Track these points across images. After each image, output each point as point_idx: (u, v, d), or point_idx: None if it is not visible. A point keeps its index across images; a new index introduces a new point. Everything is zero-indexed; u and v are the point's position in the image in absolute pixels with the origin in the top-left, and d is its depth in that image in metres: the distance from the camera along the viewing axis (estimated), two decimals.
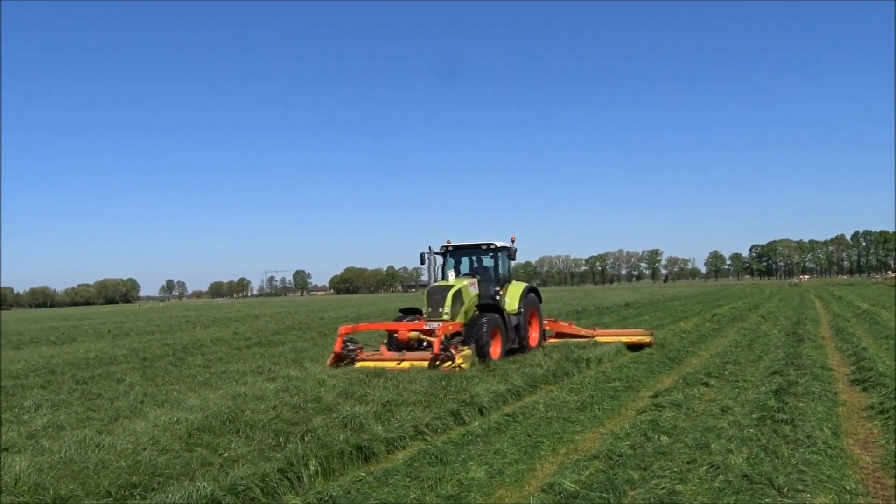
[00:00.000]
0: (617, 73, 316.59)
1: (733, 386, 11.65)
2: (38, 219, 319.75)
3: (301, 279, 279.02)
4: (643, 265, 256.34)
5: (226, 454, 7.69)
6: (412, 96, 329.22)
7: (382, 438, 8.31)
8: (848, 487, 6.27)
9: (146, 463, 7.35)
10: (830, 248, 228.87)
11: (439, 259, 17.81)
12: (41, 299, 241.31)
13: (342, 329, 15.27)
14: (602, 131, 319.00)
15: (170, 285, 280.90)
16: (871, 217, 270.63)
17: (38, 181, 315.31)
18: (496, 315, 15.54)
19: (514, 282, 17.60)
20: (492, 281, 17.03)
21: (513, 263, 17.93)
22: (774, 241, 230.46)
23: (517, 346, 16.52)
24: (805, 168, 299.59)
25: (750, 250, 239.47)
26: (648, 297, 57.05)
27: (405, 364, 13.73)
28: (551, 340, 18.79)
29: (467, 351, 13.95)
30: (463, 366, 13.29)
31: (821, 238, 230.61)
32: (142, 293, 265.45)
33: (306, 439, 8.09)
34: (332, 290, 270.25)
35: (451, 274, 16.74)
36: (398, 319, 16.22)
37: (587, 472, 6.72)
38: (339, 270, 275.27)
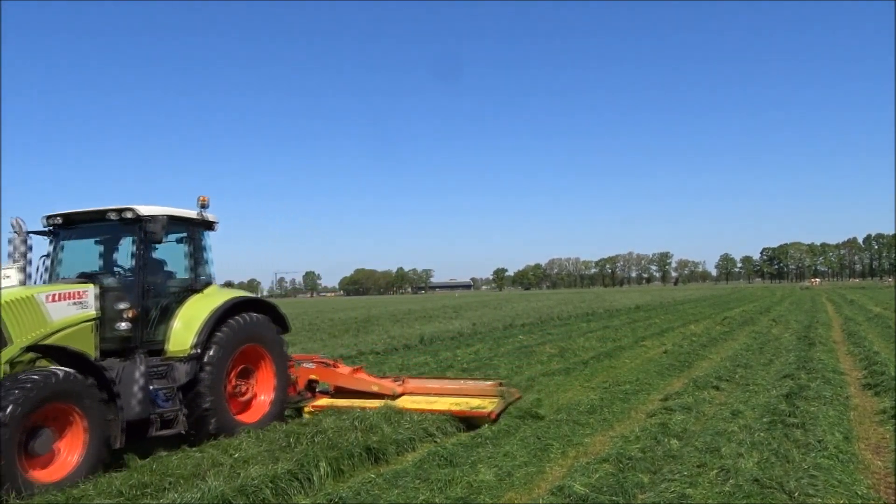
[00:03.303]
0: (627, 75, 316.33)
1: (744, 389, 11.59)
2: None
3: (311, 280, 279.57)
4: (653, 268, 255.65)
5: (237, 454, 7.74)
6: (419, 98, 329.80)
7: (392, 440, 8.34)
8: (859, 492, 6.23)
9: (158, 463, 7.43)
10: (842, 252, 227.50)
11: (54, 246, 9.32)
12: None
13: None
14: (612, 133, 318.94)
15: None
16: (884, 220, 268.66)
17: (50, 184, 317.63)
18: (49, 374, 6.94)
19: (210, 289, 9.57)
20: (127, 289, 8.64)
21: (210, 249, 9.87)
22: (786, 244, 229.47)
23: (191, 430, 8.54)
24: (817, 171, 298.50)
25: (761, 253, 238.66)
26: (658, 300, 56.85)
27: None
28: (323, 402, 10.79)
29: None
30: None
31: (833, 241, 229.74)
32: None
33: (317, 440, 8.14)
34: (341, 292, 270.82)
35: (6, 273, 8.42)
36: None
37: (597, 475, 6.70)
38: (348, 272, 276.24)
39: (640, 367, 14.91)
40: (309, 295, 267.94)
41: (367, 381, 10.97)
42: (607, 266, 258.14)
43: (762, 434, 8.13)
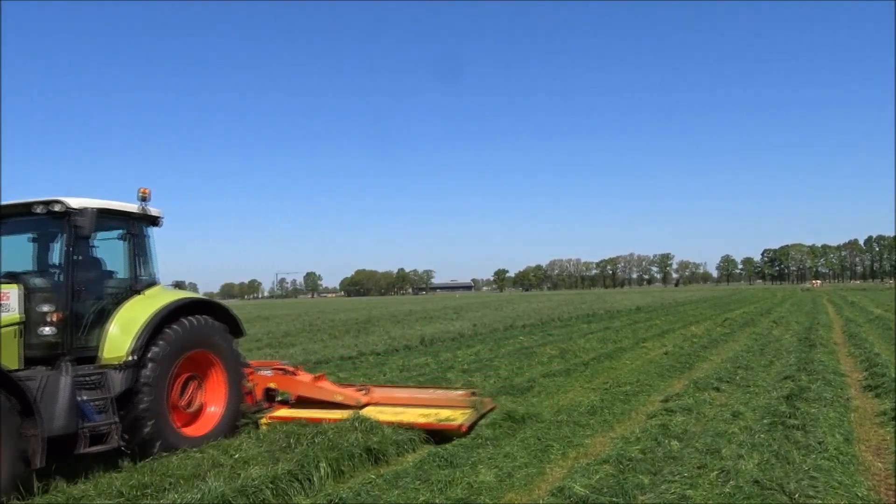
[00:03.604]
0: (627, 75, 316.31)
1: (745, 391, 11.59)
2: None
3: (312, 281, 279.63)
4: (654, 269, 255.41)
5: (237, 455, 7.75)
6: (419, 98, 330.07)
7: (393, 440, 8.35)
8: (860, 494, 6.23)
9: (158, 463, 7.43)
10: (843, 253, 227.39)
11: None
12: None
13: None
14: (612, 133, 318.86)
15: (180, 287, 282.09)
16: (885, 222, 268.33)
17: (50, 184, 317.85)
18: None
19: (152, 290, 8.86)
20: (55, 290, 7.82)
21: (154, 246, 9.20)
22: (787, 245, 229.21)
23: (127, 446, 7.77)
24: (817, 171, 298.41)
25: (762, 255, 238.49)
26: (659, 301, 56.84)
27: None
28: (280, 413, 10.07)
29: None
30: None
31: (834, 243, 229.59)
32: None
33: (317, 441, 8.14)
34: (342, 293, 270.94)
35: None
36: None
37: (597, 476, 6.71)
38: (349, 273, 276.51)
39: (640, 369, 14.91)
40: (310, 295, 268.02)
41: (329, 390, 10.27)
42: (608, 267, 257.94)
43: (763, 435, 8.14)
